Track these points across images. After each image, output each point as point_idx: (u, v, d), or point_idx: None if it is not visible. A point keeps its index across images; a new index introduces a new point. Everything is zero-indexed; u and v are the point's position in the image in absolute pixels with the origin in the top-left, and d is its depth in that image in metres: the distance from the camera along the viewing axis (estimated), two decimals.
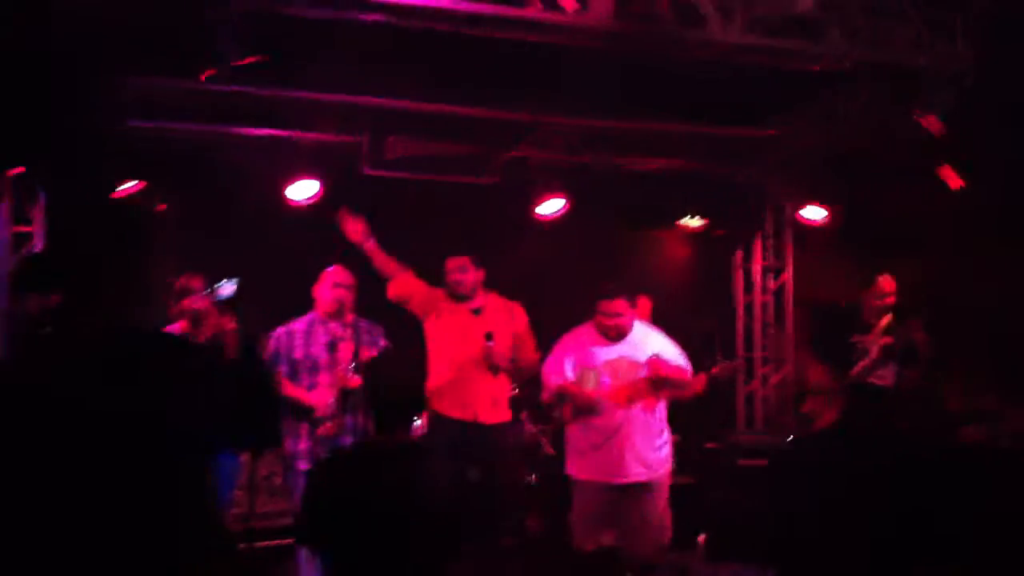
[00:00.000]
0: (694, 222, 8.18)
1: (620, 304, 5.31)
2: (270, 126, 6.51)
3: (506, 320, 5.69)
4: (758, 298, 8.47)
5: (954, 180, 6.00)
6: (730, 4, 5.22)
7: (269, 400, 3.68)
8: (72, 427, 2.41)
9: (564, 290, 7.02)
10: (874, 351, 5.90)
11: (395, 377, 3.44)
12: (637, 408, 5.29)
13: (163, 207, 6.87)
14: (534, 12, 4.88)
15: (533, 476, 6.82)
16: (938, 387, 6.25)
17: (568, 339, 5.47)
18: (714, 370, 6.18)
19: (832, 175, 7.09)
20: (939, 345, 6.08)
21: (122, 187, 6.45)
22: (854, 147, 6.42)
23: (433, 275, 6.13)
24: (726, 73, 5.62)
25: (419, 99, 6.37)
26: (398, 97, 6.32)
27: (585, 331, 5.43)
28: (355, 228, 5.74)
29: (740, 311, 8.52)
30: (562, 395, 5.38)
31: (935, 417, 6.21)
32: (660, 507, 5.39)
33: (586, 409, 5.31)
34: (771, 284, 8.48)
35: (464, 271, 5.65)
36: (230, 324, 4.45)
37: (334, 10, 4.55)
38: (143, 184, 6.63)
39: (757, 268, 8.47)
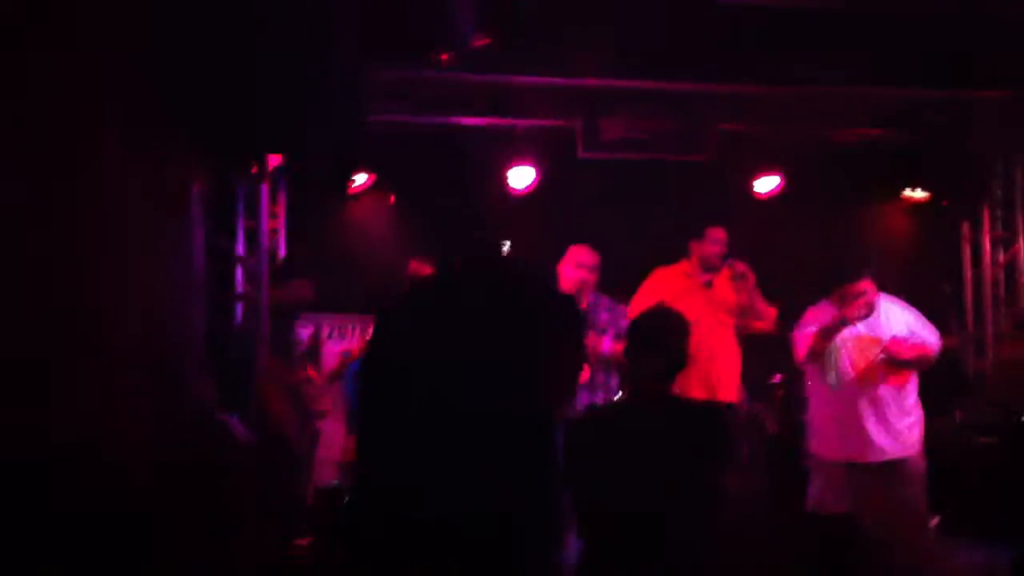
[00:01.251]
0: (917, 193, 7.94)
1: (865, 284, 5.21)
2: (486, 113, 6.77)
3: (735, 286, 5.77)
4: (987, 272, 8.09)
5: None
6: None
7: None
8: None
9: (784, 267, 6.95)
10: None
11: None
12: (880, 386, 5.20)
13: (393, 199, 7.26)
14: None
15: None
16: None
17: (813, 312, 5.41)
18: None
19: None
20: None
21: (355, 181, 6.88)
22: None
23: (646, 254, 6.23)
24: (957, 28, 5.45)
25: (631, 77, 6.47)
26: (611, 77, 6.44)
27: (827, 307, 5.36)
28: None
29: (968, 286, 8.16)
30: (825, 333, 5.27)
31: None
32: (910, 490, 5.22)
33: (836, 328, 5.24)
34: (1001, 257, 8.08)
35: (723, 244, 5.77)
36: None
37: None
38: (374, 177, 7.04)
39: (986, 240, 8.09)
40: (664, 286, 5.79)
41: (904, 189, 7.95)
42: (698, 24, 5.70)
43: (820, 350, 5.20)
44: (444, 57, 5.05)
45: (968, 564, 5.22)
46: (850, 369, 5.18)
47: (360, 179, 7.02)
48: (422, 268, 5.54)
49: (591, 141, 6.70)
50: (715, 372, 5.62)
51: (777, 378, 7.03)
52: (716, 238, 5.81)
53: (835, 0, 5.28)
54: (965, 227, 8.20)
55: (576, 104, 6.70)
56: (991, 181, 7.91)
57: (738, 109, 6.84)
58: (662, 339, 3.51)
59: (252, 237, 6.48)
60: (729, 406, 5.66)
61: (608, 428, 3.43)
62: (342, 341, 6.90)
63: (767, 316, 5.85)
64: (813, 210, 7.56)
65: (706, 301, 5.74)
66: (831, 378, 5.23)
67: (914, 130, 7.22)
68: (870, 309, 5.20)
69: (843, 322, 5.13)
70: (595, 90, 6.58)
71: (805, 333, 5.29)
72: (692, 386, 5.48)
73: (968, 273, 8.18)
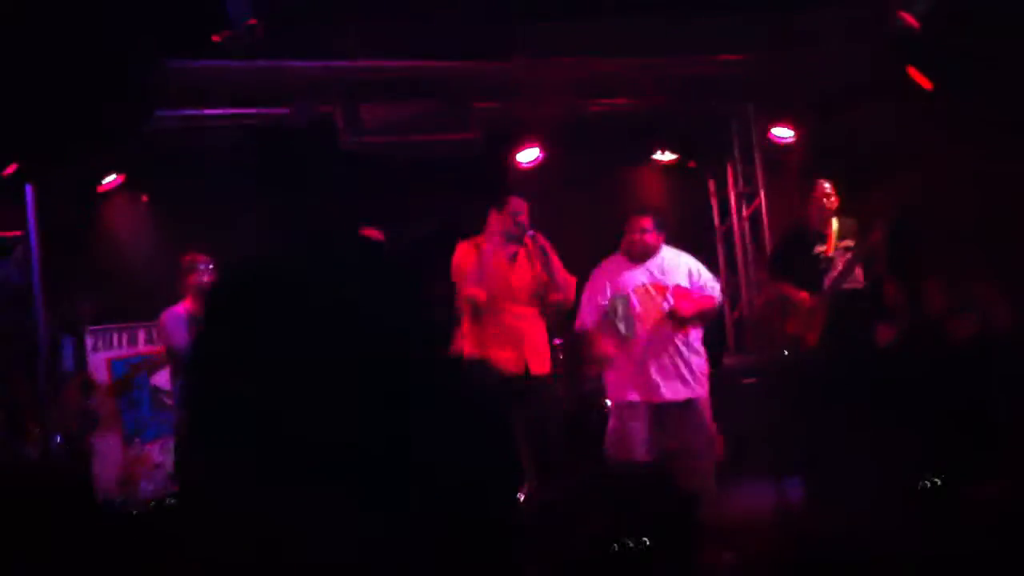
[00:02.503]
0: (666, 156, 8.35)
1: (646, 221, 5.46)
2: (243, 104, 6.51)
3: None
4: (735, 225, 8.61)
5: (923, 81, 6.11)
6: None
7: None
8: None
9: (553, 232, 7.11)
10: (839, 261, 5.95)
11: None
12: (669, 331, 5.44)
13: (146, 198, 6.89)
14: None
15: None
16: (913, 284, 6.40)
17: (598, 272, 5.59)
18: None
19: (800, 95, 7.21)
20: (914, 244, 6.24)
21: (106, 180, 6.49)
22: (822, 67, 6.50)
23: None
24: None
25: (390, 57, 6.39)
26: (368, 58, 6.33)
27: (613, 260, 5.58)
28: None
29: (719, 239, 8.66)
30: (586, 338, 5.50)
31: (918, 315, 6.38)
32: (702, 425, 5.50)
33: (597, 361, 5.45)
34: (745, 210, 8.59)
35: (524, 214, 5.72)
36: None
37: None
38: (123, 176, 6.65)
39: (732, 195, 8.60)
40: (469, 260, 5.70)
41: (654, 153, 8.36)
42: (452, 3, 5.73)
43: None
44: (216, 39, 4.80)
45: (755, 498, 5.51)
46: (641, 317, 5.40)
47: (109, 179, 6.62)
48: (197, 259, 5.42)
49: (353, 128, 6.53)
50: (526, 346, 5.65)
51: (558, 341, 7.17)
52: (517, 208, 5.76)
53: None
54: (712, 184, 8.70)
55: (335, 89, 6.52)
56: (730, 140, 8.40)
57: (495, 86, 6.92)
58: None
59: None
60: (542, 377, 5.73)
61: None
62: (109, 351, 6.51)
63: (566, 286, 5.86)
64: (573, 177, 7.79)
65: (511, 275, 5.72)
66: (622, 327, 5.42)
67: (659, 97, 7.54)
68: (645, 249, 5.47)
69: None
70: (352, 72, 6.44)
71: (588, 314, 5.50)
72: (505, 360, 5.52)
73: (718, 227, 8.68)
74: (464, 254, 5.73)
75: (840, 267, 5.86)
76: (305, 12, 5.44)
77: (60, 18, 4.76)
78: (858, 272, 5.90)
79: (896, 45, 5.91)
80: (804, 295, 5.83)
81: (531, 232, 5.63)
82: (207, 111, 6.34)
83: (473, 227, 5.77)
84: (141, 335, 6.26)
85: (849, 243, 5.88)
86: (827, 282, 5.87)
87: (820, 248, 5.94)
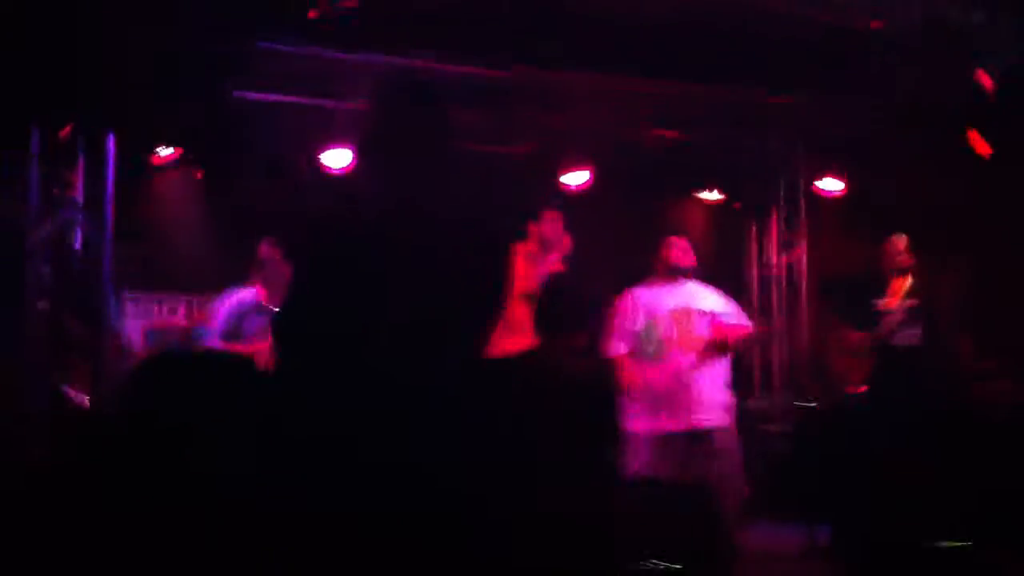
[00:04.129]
0: (713, 195, 8.35)
1: (683, 241, 5.55)
2: (305, 93, 6.58)
3: None
4: (773, 271, 8.60)
5: (982, 146, 6.10)
6: None
7: None
8: None
9: (591, 259, 7.12)
10: (898, 314, 5.99)
11: None
12: (700, 357, 5.41)
13: (200, 174, 6.95)
14: None
15: None
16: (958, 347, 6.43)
17: (628, 296, 5.59)
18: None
19: (854, 148, 7.19)
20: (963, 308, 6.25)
21: (160, 153, 6.55)
22: (881, 120, 6.49)
23: None
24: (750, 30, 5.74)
25: (449, 62, 6.43)
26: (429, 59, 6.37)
27: (645, 284, 5.57)
28: None
29: (755, 284, 8.64)
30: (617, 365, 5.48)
31: (958, 377, 6.38)
32: (728, 460, 5.45)
33: (630, 390, 5.43)
34: (784, 258, 8.59)
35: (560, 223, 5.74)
36: None
37: None
38: (180, 151, 6.72)
39: (772, 241, 8.59)
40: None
41: (699, 190, 8.36)
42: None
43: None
44: (313, 15, 4.85)
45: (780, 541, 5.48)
46: (674, 341, 5.39)
47: (165, 152, 6.69)
48: (275, 252, 5.35)
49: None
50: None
51: None
52: (553, 217, 5.81)
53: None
54: (753, 228, 8.70)
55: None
56: (777, 185, 8.40)
57: (554, 99, 6.94)
58: None
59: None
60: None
61: None
62: (146, 319, 6.52)
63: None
64: (616, 204, 7.80)
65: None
66: (650, 348, 5.40)
67: (711, 132, 7.56)
68: (680, 267, 5.48)
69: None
70: (416, 73, 6.48)
71: (620, 341, 5.50)
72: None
73: (755, 272, 8.67)
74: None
75: (897, 321, 5.90)
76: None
77: None
78: (914, 331, 5.93)
79: (964, 106, 5.90)
80: (858, 335, 5.87)
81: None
82: (285, 98, 6.42)
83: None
84: (181, 308, 6.27)
85: (913, 303, 5.92)
86: (882, 333, 5.92)
87: (883, 301, 5.99)
